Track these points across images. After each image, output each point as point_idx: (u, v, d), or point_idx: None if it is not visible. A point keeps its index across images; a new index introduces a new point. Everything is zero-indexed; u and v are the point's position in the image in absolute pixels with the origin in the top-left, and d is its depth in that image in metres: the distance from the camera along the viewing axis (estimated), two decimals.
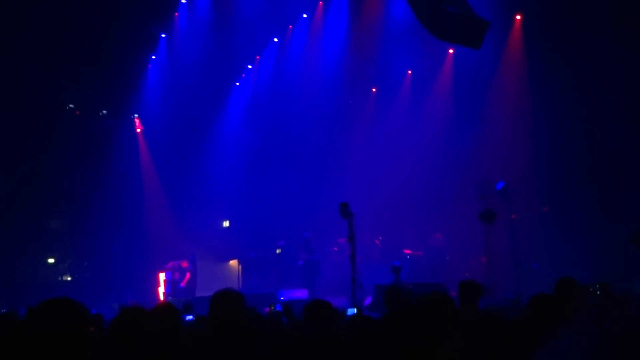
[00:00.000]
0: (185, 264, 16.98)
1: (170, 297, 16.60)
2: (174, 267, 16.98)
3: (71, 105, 19.21)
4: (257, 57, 19.26)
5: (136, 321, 3.69)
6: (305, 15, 18.05)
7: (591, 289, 5.70)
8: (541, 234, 14.00)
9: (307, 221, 16.91)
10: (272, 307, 7.70)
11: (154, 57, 19.08)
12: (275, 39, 18.76)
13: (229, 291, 3.77)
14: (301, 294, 14.47)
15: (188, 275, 16.88)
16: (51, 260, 19.40)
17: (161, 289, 17.38)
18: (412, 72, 17.71)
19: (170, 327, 3.91)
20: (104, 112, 19.85)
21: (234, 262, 18.07)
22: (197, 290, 16.54)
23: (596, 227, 12.72)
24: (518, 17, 15.25)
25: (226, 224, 20.31)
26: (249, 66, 19.65)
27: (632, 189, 12.59)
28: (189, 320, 7.67)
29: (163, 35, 18.64)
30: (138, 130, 19.93)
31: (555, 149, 13.92)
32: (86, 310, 2.65)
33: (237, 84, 20.12)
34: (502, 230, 13.24)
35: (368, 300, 12.28)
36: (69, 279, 19.55)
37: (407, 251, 16.35)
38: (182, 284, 16.79)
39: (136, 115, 19.88)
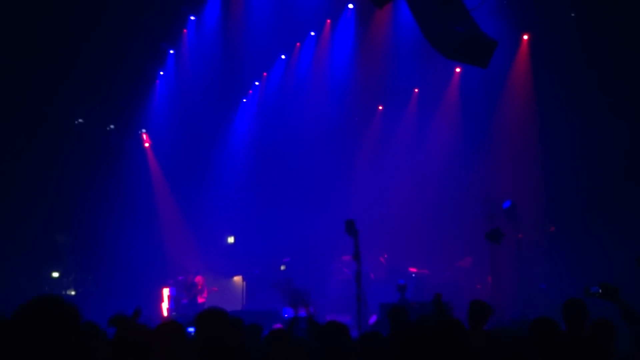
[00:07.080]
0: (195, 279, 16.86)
1: (174, 313, 16.52)
2: (185, 281, 16.92)
3: (80, 120, 19.27)
4: (264, 73, 19.35)
5: (140, 340, 3.65)
6: (312, 33, 18.14)
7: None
8: (548, 254, 13.89)
9: (312, 238, 16.83)
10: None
11: (161, 72, 19.19)
12: (283, 56, 18.85)
13: (213, 310, 3.75)
14: (305, 311, 14.33)
15: (193, 291, 16.77)
16: (55, 274, 19.34)
17: (165, 305, 17.31)
18: (418, 90, 17.73)
19: (175, 346, 3.85)
20: (112, 126, 19.90)
21: (238, 279, 17.97)
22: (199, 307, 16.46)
23: (604, 247, 12.61)
24: (525, 36, 15.31)
25: (231, 239, 20.25)
26: (256, 83, 19.74)
27: None
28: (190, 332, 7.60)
29: (171, 51, 18.76)
30: (146, 145, 19.96)
31: (563, 168, 13.87)
32: (76, 310, 2.53)
33: (244, 100, 20.20)
34: (508, 249, 13.16)
35: (373, 319, 12.17)
36: (73, 293, 19.47)
37: (413, 269, 16.23)
38: (185, 300, 16.71)
39: (144, 130, 19.94)
